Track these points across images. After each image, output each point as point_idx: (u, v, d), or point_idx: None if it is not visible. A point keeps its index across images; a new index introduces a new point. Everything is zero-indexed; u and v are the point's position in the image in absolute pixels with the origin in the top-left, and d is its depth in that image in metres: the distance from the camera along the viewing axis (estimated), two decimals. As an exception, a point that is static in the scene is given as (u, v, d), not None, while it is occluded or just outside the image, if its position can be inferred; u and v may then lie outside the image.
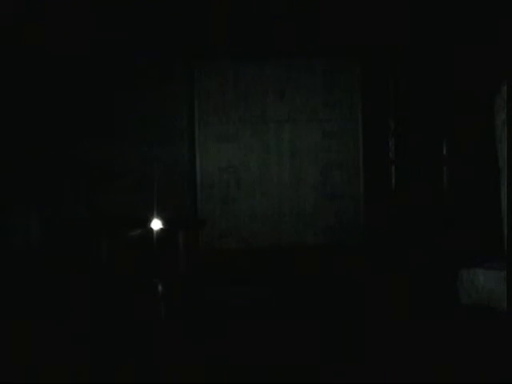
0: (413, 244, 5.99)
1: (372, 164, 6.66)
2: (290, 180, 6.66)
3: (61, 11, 5.86)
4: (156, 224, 5.55)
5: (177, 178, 6.59)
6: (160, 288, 5.09)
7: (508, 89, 3.71)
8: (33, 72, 6.24)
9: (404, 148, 6.46)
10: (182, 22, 6.18)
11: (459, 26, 5.57)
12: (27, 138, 6.28)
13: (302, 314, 4.01)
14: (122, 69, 6.47)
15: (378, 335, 3.50)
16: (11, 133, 6.21)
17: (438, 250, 5.60)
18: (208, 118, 6.61)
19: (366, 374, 2.86)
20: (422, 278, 4.86)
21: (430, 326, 3.65)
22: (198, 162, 6.60)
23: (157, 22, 6.12)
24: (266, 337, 3.52)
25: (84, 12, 5.91)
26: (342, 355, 3.17)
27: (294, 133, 6.67)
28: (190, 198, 6.61)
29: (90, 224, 6.24)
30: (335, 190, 6.68)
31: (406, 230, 6.20)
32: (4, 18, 5.62)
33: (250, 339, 3.48)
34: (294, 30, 6.29)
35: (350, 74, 6.68)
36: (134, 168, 6.46)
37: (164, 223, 5.56)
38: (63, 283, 5.14)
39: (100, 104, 6.48)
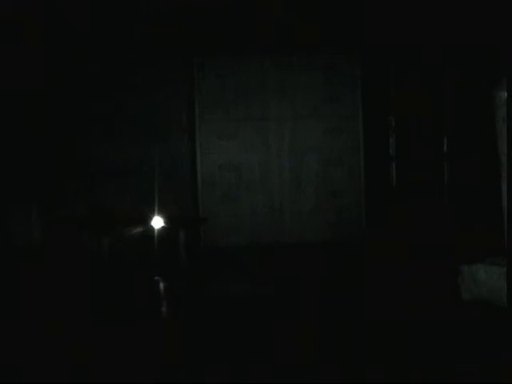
0: (413, 240, 5.99)
1: (372, 161, 6.67)
2: (291, 177, 6.66)
3: (60, 10, 5.86)
4: (157, 222, 5.55)
5: (178, 176, 6.60)
6: (161, 286, 5.10)
7: (508, 84, 3.70)
8: (32, 71, 6.24)
9: (404, 145, 6.46)
10: (182, 21, 6.17)
11: (459, 22, 5.56)
12: (27, 138, 6.28)
13: (302, 313, 4.01)
14: (122, 68, 6.48)
15: (378, 333, 3.50)
16: (12, 133, 6.22)
17: (439, 246, 5.60)
18: (209, 116, 6.61)
19: (365, 374, 2.86)
20: (423, 274, 4.86)
21: (431, 322, 3.65)
22: (199, 159, 6.60)
23: (157, 20, 6.12)
24: (267, 335, 3.52)
25: (84, 11, 5.91)
26: (341, 354, 3.17)
27: (295, 130, 6.67)
28: (190, 195, 6.62)
29: (91, 223, 6.25)
30: (336, 187, 6.68)
31: (406, 226, 6.20)
32: (4, 17, 5.62)
33: (251, 338, 3.49)
34: (294, 28, 6.28)
35: (351, 71, 6.68)
36: (135, 166, 6.47)
37: (165, 221, 5.57)
38: (64, 282, 5.14)
39: (100, 103, 6.48)
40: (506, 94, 3.80)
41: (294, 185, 6.68)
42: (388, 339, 3.36)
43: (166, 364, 3.09)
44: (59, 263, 5.76)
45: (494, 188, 4.33)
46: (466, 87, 5.70)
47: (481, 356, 3.05)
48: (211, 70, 6.59)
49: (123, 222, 5.82)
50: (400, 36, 6.14)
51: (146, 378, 2.91)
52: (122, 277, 5.32)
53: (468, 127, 5.79)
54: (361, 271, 5.30)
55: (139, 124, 6.54)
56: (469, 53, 5.57)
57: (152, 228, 5.51)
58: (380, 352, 3.16)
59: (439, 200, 6.17)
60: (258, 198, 6.67)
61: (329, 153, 6.69)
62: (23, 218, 6.23)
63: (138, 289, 4.93)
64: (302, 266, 5.62)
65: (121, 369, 3.04)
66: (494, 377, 2.78)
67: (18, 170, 6.20)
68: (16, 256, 5.92)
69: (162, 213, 5.70)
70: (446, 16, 5.68)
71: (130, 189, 6.44)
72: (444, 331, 3.47)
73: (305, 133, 6.67)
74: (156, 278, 5.28)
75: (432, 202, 6.20)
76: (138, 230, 5.57)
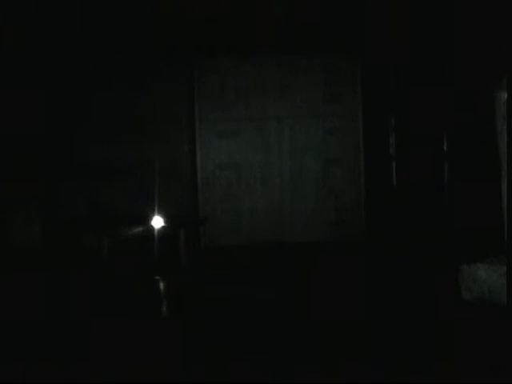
0: (414, 239, 5.99)
1: (373, 160, 6.67)
2: (291, 176, 6.67)
3: (61, 10, 5.86)
4: (157, 222, 5.55)
5: (178, 176, 6.60)
6: (161, 286, 5.09)
7: (508, 83, 3.71)
8: (32, 71, 6.24)
9: (404, 144, 6.46)
10: (182, 21, 6.17)
11: (459, 22, 5.56)
12: (28, 138, 6.28)
13: (301, 313, 4.01)
14: (122, 68, 6.48)
15: (378, 332, 3.50)
16: (12, 133, 6.22)
17: (439, 245, 5.60)
18: (208, 116, 6.61)
19: (366, 374, 2.86)
20: (423, 274, 4.86)
21: (431, 321, 3.65)
22: (199, 159, 6.61)
23: (157, 20, 6.12)
24: (267, 335, 3.52)
25: (85, 11, 5.91)
26: (341, 354, 3.17)
27: (295, 129, 6.67)
28: (190, 195, 6.62)
29: (90, 223, 6.25)
30: (336, 187, 6.68)
31: (406, 226, 6.20)
32: (5, 18, 5.62)
33: (251, 338, 3.49)
34: (294, 28, 6.28)
35: (351, 70, 6.68)
36: (135, 166, 6.47)
37: (165, 221, 5.56)
38: (64, 282, 5.14)
39: (100, 103, 6.49)
40: (506, 94, 3.80)
41: (294, 185, 6.68)
42: (388, 339, 3.36)
43: (166, 364, 3.09)
44: (59, 263, 5.76)
45: (494, 188, 4.33)
46: (466, 87, 5.70)
47: (481, 356, 3.05)
48: (211, 69, 6.59)
49: (123, 221, 5.82)
50: (400, 36, 6.14)
51: (146, 378, 2.91)
52: (122, 277, 5.32)
53: (468, 127, 5.79)
54: (361, 271, 5.30)
55: (139, 124, 6.54)
56: (469, 53, 5.56)
57: (152, 228, 5.51)
58: (379, 352, 3.16)
59: (439, 200, 6.17)
60: (258, 198, 6.67)
61: (329, 152, 6.69)
62: (23, 217, 6.23)
63: (138, 289, 4.93)
64: (301, 265, 5.62)
65: (121, 369, 3.04)
66: (494, 377, 2.78)
67: (18, 170, 6.20)
68: (16, 256, 5.91)
69: (161, 213, 5.69)
70: (446, 16, 5.69)
71: (130, 189, 6.45)
72: (444, 331, 3.46)
73: (305, 133, 6.68)
74: (156, 277, 5.28)
75: (432, 201, 6.20)
76: (138, 230, 5.56)
